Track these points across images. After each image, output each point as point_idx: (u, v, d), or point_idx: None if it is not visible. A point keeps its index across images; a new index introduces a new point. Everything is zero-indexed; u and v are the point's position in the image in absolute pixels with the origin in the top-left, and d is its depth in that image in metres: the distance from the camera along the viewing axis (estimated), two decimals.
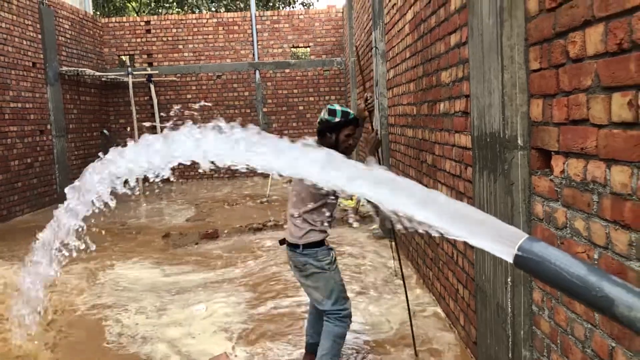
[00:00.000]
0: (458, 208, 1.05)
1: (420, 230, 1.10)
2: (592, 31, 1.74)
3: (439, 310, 4.19)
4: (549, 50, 2.05)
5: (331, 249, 3.18)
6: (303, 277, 3.14)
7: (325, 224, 3.09)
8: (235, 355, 3.58)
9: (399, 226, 1.16)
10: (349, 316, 3.17)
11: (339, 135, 3.08)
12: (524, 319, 2.39)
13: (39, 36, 10.52)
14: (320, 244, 3.10)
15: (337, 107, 3.13)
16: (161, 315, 4.34)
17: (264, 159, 1.32)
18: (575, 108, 1.87)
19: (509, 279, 2.48)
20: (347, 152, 3.12)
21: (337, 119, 3.07)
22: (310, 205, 3.04)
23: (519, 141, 2.32)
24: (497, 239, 0.98)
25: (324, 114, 3.12)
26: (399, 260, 3.93)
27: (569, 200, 1.96)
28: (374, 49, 6.94)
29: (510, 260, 0.98)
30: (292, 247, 3.12)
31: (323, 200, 3.03)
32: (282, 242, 3.25)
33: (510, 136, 2.36)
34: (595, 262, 1.80)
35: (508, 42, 2.34)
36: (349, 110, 3.14)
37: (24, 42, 9.97)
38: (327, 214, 3.07)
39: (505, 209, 2.46)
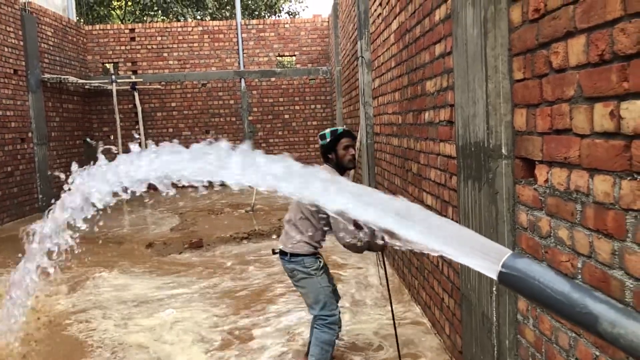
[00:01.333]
0: (441, 224, 1.05)
1: (401, 245, 1.10)
2: (574, 42, 1.76)
3: (424, 319, 4.19)
4: (532, 60, 2.07)
5: (318, 256, 3.30)
6: (294, 282, 3.33)
7: (320, 242, 3.29)
8: None
9: (381, 242, 1.15)
10: (336, 322, 3.24)
11: (337, 152, 3.31)
12: (509, 328, 2.40)
13: (21, 43, 10.39)
14: (307, 254, 3.24)
15: (327, 130, 3.38)
16: (137, 324, 4.28)
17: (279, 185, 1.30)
18: (558, 118, 1.89)
19: (494, 288, 2.48)
20: (351, 163, 3.34)
21: (327, 140, 3.31)
22: (310, 227, 3.21)
23: (503, 150, 2.33)
24: (481, 256, 0.98)
25: (320, 142, 3.38)
26: (385, 269, 3.92)
27: (553, 209, 1.97)
28: (360, 58, 6.97)
29: (494, 277, 0.97)
30: (282, 254, 3.29)
31: (324, 222, 3.21)
32: (274, 251, 3.39)
33: (495, 145, 2.38)
34: (579, 270, 1.80)
35: (492, 52, 2.36)
36: (336, 128, 3.40)
37: (5, 49, 9.84)
38: (323, 234, 3.28)
39: (490, 218, 2.47)
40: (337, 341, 3.38)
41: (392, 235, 1.08)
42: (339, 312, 3.30)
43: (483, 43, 2.43)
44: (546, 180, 2.01)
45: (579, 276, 1.81)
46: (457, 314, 3.29)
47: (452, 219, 3.34)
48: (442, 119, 3.48)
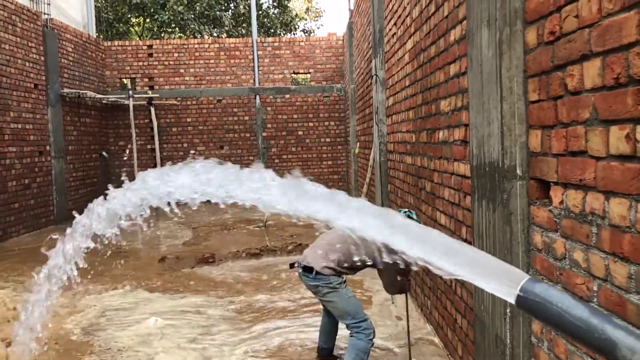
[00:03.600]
0: (459, 248, 1.06)
1: (416, 268, 1.11)
2: (590, 65, 1.76)
3: (436, 339, 4.15)
4: (547, 82, 2.08)
5: (341, 274, 3.40)
6: (320, 297, 3.42)
7: (347, 274, 3.45)
8: None
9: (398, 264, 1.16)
10: (369, 328, 3.32)
11: None
12: (522, 351, 2.37)
13: (42, 58, 10.63)
14: (334, 274, 3.36)
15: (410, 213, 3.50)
16: (153, 340, 4.28)
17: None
18: (573, 140, 1.89)
19: (508, 310, 2.46)
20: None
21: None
22: (347, 261, 3.34)
23: (518, 171, 2.33)
24: (499, 280, 0.98)
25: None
26: (407, 308, 3.90)
27: (568, 231, 1.96)
28: (374, 76, 7.02)
29: (512, 301, 0.98)
30: (305, 270, 3.35)
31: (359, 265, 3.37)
32: (292, 265, 3.50)
33: (509, 166, 2.38)
34: (595, 294, 1.79)
35: (507, 74, 2.37)
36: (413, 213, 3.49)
37: (27, 64, 10.06)
38: (354, 272, 3.48)
39: (504, 239, 2.46)
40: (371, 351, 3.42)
41: (408, 256, 1.09)
42: (370, 320, 3.38)
43: (498, 64, 2.44)
44: (561, 202, 2.01)
45: (595, 299, 1.79)
46: (470, 335, 3.26)
47: (466, 239, 3.32)
48: (456, 139, 3.49)
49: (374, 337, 3.33)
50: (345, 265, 3.34)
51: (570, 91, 1.90)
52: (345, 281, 3.43)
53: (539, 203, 2.20)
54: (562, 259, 2.01)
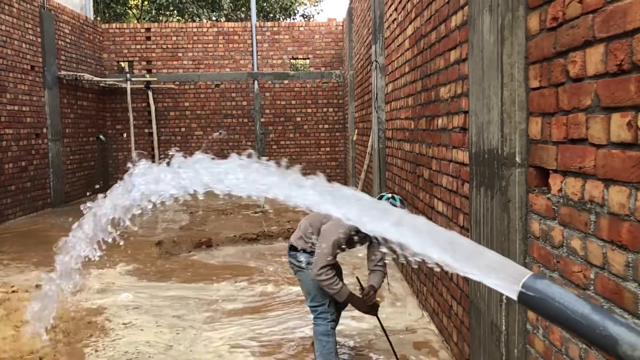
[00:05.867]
0: (462, 243, 1.06)
1: (417, 261, 1.10)
2: (593, 51, 1.75)
3: (432, 326, 4.17)
4: (549, 69, 2.06)
5: (311, 253, 3.40)
6: (294, 274, 3.56)
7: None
8: None
9: (396, 257, 1.17)
10: (327, 312, 3.35)
11: None
12: (518, 338, 2.38)
13: (39, 40, 10.52)
14: (304, 251, 3.42)
15: (388, 195, 3.37)
16: (180, 324, 4.30)
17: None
18: (574, 127, 1.88)
19: (504, 297, 2.46)
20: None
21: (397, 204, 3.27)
22: (315, 241, 3.35)
23: (517, 158, 2.32)
24: (501, 276, 0.99)
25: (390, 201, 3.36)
26: (384, 330, 3.77)
27: (566, 219, 1.95)
28: (374, 62, 6.98)
29: (514, 297, 0.98)
30: (289, 247, 3.51)
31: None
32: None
33: (509, 153, 2.37)
34: (591, 282, 1.79)
35: (508, 60, 2.35)
36: (395, 196, 3.38)
37: (24, 46, 9.96)
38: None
39: (502, 226, 2.46)
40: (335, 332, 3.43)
41: (407, 250, 1.09)
42: (331, 307, 3.37)
43: (499, 50, 2.42)
44: (560, 190, 2.00)
45: (591, 287, 1.79)
46: (466, 321, 3.27)
47: (463, 226, 3.32)
48: (455, 126, 3.48)
49: (333, 319, 3.36)
50: (310, 239, 3.38)
51: (572, 78, 1.88)
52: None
53: (538, 191, 2.20)
54: (560, 247, 2.01)
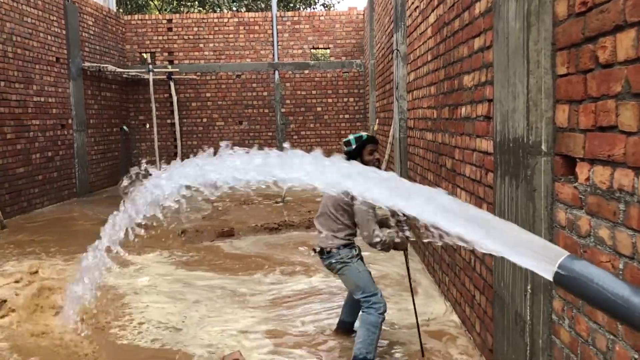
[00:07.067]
0: (495, 224, 1.04)
1: (451, 242, 1.10)
2: (624, 36, 1.70)
3: (454, 316, 4.15)
4: (577, 55, 2.02)
5: (352, 247, 3.47)
6: (335, 273, 3.55)
7: (349, 237, 3.49)
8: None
9: (430, 239, 1.16)
10: (379, 302, 3.36)
11: (363, 158, 3.46)
12: (542, 328, 2.36)
13: (63, 32, 10.67)
14: (340, 246, 3.44)
15: (350, 136, 3.53)
16: (195, 308, 4.40)
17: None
18: (603, 114, 1.84)
19: (528, 287, 2.44)
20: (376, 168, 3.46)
21: (353, 146, 3.47)
22: (342, 225, 3.44)
23: (543, 147, 2.28)
24: (536, 256, 0.97)
25: (343, 149, 3.52)
26: (408, 266, 3.85)
27: (594, 208, 1.92)
28: (395, 51, 6.92)
29: (550, 277, 0.96)
30: (319, 253, 3.52)
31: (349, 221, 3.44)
32: (315, 250, 3.60)
33: (534, 142, 2.33)
34: (620, 272, 1.76)
35: (535, 47, 2.31)
36: (361, 134, 3.54)
37: (49, 38, 10.12)
38: (352, 232, 3.48)
39: (527, 215, 2.43)
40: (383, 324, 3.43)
41: (442, 231, 1.08)
42: (381, 294, 3.41)
43: (525, 37, 2.38)
44: (587, 179, 1.96)
45: (620, 277, 1.76)
46: (489, 311, 3.25)
47: None
48: (479, 114, 3.43)
49: (384, 311, 3.35)
50: (342, 229, 3.44)
51: (602, 64, 1.84)
52: (358, 255, 3.48)
53: (564, 179, 2.16)
54: (587, 237, 1.98)
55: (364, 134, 3.56)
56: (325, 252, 3.46)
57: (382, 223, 3.61)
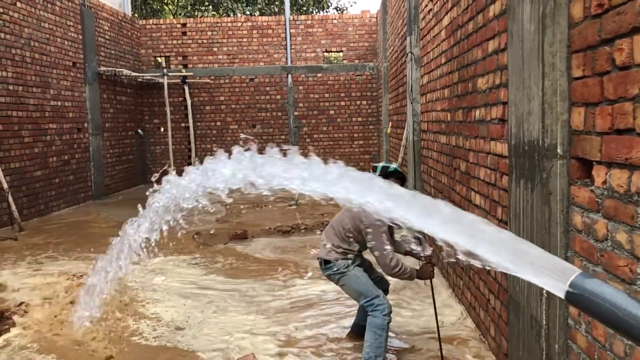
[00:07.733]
0: (505, 239, 1.03)
1: (463, 260, 1.09)
2: None
3: (468, 320, 4.12)
4: (593, 57, 2.00)
5: (349, 258, 3.48)
6: (337, 285, 3.55)
7: (352, 252, 3.50)
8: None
9: (445, 255, 1.16)
10: (382, 304, 3.35)
11: None
12: (559, 333, 2.33)
13: (80, 37, 10.82)
14: (340, 259, 3.47)
15: (380, 164, 3.49)
16: (206, 309, 4.41)
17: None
18: (620, 117, 1.82)
19: (544, 291, 2.42)
20: None
21: (377, 174, 3.35)
22: (345, 246, 3.45)
23: (559, 150, 2.26)
24: (548, 273, 0.96)
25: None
26: (433, 297, 3.81)
27: (611, 211, 1.90)
28: (409, 54, 6.91)
29: (561, 296, 0.95)
30: (319, 263, 3.56)
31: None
32: (318, 259, 3.64)
33: (550, 145, 2.31)
34: (638, 276, 1.74)
35: (550, 49, 2.30)
36: (389, 164, 3.48)
37: (66, 43, 10.27)
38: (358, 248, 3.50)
39: (542, 219, 2.41)
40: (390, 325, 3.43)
41: (452, 247, 1.08)
42: (384, 297, 3.41)
43: (540, 39, 2.36)
44: (604, 182, 1.95)
45: (638, 282, 1.74)
46: (504, 315, 3.23)
47: (502, 219, 3.27)
48: (493, 117, 3.41)
49: (389, 312, 3.34)
50: (344, 244, 3.44)
51: (619, 66, 1.82)
52: (355, 262, 3.48)
53: (580, 183, 2.14)
54: (604, 240, 1.96)
55: (393, 165, 3.51)
56: (324, 263, 3.49)
57: (404, 249, 3.63)
